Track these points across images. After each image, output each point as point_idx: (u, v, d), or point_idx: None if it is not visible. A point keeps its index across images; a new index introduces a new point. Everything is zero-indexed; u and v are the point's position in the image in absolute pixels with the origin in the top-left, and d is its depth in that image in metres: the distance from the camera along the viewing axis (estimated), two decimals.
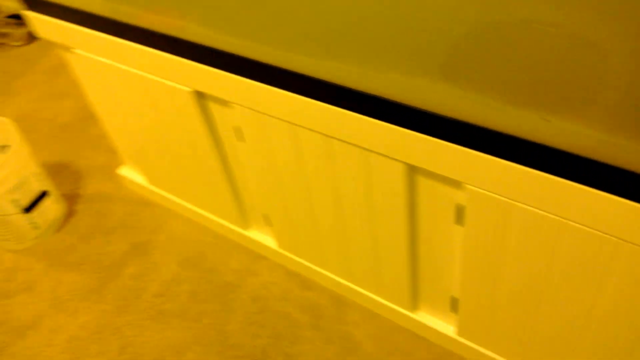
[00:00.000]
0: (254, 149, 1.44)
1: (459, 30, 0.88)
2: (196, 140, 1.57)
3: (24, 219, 1.96)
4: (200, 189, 1.81)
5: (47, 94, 2.73)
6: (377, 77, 1.04)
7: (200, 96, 1.45)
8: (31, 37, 3.12)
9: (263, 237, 1.83)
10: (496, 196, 1.05)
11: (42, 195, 2.00)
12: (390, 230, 1.34)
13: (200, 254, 1.92)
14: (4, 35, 3.07)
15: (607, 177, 0.90)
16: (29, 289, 1.93)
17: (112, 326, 1.78)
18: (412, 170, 1.18)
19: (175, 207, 2.05)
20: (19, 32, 3.07)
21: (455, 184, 1.13)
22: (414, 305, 1.56)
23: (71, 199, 2.18)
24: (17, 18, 3.11)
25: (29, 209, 1.96)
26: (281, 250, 1.79)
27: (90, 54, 1.59)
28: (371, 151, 1.17)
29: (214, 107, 1.45)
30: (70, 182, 2.25)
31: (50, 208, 2.05)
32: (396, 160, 1.14)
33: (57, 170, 2.31)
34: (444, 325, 1.53)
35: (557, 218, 1.00)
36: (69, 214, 2.14)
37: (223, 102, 1.41)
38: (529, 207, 1.02)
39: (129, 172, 2.14)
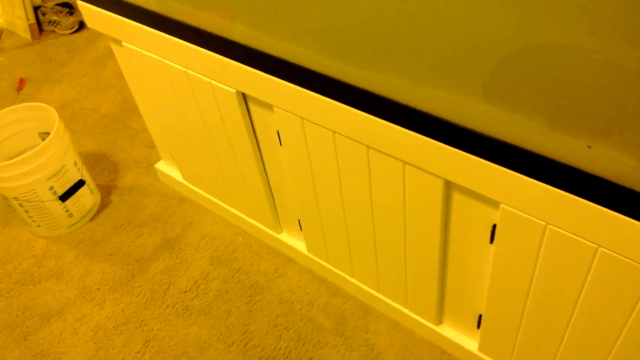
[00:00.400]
0: (292, 153, 1.46)
1: (505, 50, 0.89)
2: (236, 141, 1.60)
3: (59, 206, 2.00)
4: (235, 189, 1.84)
5: (91, 84, 2.78)
6: (420, 91, 1.06)
7: (243, 98, 1.47)
8: (80, 27, 3.17)
9: (293, 241, 1.86)
10: (530, 217, 1.06)
11: (79, 184, 2.04)
12: (422, 244, 1.35)
13: (230, 253, 1.95)
14: (53, 22, 3.13)
15: None
16: (58, 276, 1.96)
17: (138, 319, 1.81)
18: (450, 187, 1.19)
19: (209, 204, 2.08)
20: (69, 20, 3.12)
21: (493, 203, 1.14)
22: (439, 319, 1.57)
23: (107, 190, 2.22)
24: (67, 7, 3.16)
25: (64, 196, 2.00)
26: (310, 255, 1.80)
27: (138, 47, 1.62)
28: (410, 164, 1.19)
29: (256, 110, 1.48)
30: (107, 173, 2.29)
31: (86, 197, 2.09)
32: (434, 175, 1.16)
33: (95, 161, 2.35)
34: (468, 341, 1.54)
35: (591, 244, 1.01)
36: (104, 205, 2.17)
37: (266, 105, 1.43)
38: (562, 231, 1.03)
39: (165, 168, 2.17)
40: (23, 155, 1.82)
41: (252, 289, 1.84)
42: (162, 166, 2.18)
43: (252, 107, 1.48)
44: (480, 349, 1.50)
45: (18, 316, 1.87)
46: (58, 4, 3.16)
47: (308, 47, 1.18)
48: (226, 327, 1.76)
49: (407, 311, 1.63)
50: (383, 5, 0.99)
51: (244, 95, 1.47)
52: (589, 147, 0.91)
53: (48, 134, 2.10)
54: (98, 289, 1.91)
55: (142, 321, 1.80)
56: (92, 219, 2.13)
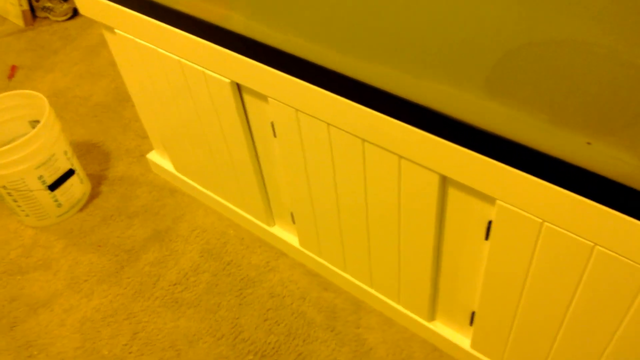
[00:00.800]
0: (286, 145, 1.45)
1: (507, 44, 0.89)
2: (229, 132, 1.59)
3: (48, 196, 1.99)
4: (228, 181, 1.83)
5: (83, 72, 2.76)
6: (418, 84, 1.05)
7: (238, 88, 1.46)
8: (74, 13, 3.15)
9: (286, 235, 1.85)
10: (526, 214, 1.05)
11: (69, 173, 2.03)
12: (416, 240, 1.35)
13: (221, 246, 1.94)
14: (47, 9, 3.11)
15: None
16: (46, 267, 1.95)
17: (126, 311, 1.80)
18: (446, 182, 1.18)
19: (201, 196, 2.06)
20: (62, 7, 3.10)
21: (489, 199, 1.13)
22: (431, 315, 1.56)
23: (97, 180, 2.21)
24: None
25: (54, 186, 1.98)
26: (302, 249, 1.80)
27: (131, 35, 1.61)
28: (406, 159, 1.18)
29: (250, 100, 1.47)
30: (98, 162, 2.28)
31: (76, 187, 2.08)
32: (430, 170, 1.15)
33: (86, 150, 2.33)
34: (460, 338, 1.54)
35: (588, 242, 1.00)
36: (94, 195, 2.16)
37: (260, 96, 1.42)
38: (559, 229, 1.03)
39: (157, 158, 2.16)
40: (12, 144, 1.81)
41: (242, 283, 1.83)
42: (153, 157, 2.17)
43: (247, 98, 1.47)
44: (473, 346, 1.49)
45: (5, 306, 1.85)
46: None
47: (304, 38, 1.17)
48: (216, 320, 1.75)
49: (399, 307, 1.62)
50: None
51: (238, 85, 1.45)
52: (589, 143, 0.90)
53: (39, 122, 2.09)
54: (86, 280, 1.90)
55: (130, 313, 1.79)
56: (81, 209, 2.12)
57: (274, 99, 1.35)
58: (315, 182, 1.47)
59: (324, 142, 1.33)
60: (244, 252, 1.91)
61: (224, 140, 1.64)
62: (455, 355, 1.57)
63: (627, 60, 0.78)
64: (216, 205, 2.02)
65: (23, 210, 2.01)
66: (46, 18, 3.15)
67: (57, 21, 3.13)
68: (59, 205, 2.04)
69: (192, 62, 1.48)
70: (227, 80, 1.43)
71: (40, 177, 1.93)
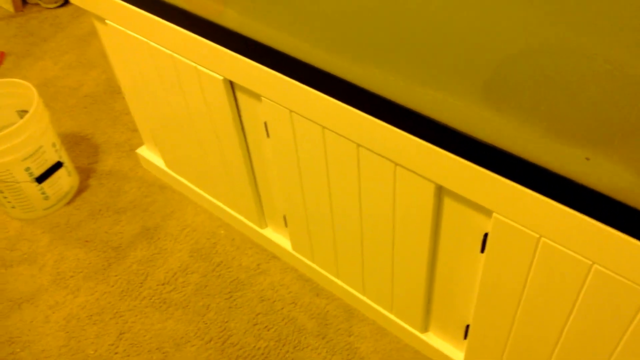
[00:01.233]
0: (279, 146, 1.45)
1: (506, 51, 0.88)
2: (222, 130, 1.58)
3: (35, 188, 1.98)
4: (219, 179, 1.82)
5: (73, 61, 2.75)
6: (415, 91, 1.05)
7: (231, 86, 1.46)
8: (65, 1, 3.14)
9: (278, 237, 1.84)
10: (523, 229, 1.05)
11: (57, 166, 2.02)
12: (410, 249, 1.34)
13: (211, 246, 1.94)
14: None
15: None
16: (30, 261, 1.95)
17: (112, 310, 1.80)
18: (441, 191, 1.18)
19: (191, 194, 2.06)
20: None
21: (485, 211, 1.13)
22: (424, 326, 1.56)
23: (85, 173, 2.20)
24: None
25: (41, 178, 1.98)
26: (295, 253, 1.79)
27: (123, 27, 1.60)
28: (401, 166, 1.17)
29: (243, 99, 1.46)
30: (87, 155, 2.27)
31: (63, 180, 2.07)
32: (426, 179, 1.15)
33: (75, 142, 2.33)
34: (454, 351, 1.54)
35: (586, 260, 1.00)
36: (82, 189, 2.16)
37: (254, 95, 1.42)
38: (556, 245, 1.02)
39: (147, 153, 2.15)
40: None
41: (232, 285, 1.83)
42: (143, 152, 2.16)
43: (240, 96, 1.46)
44: (467, 359, 1.49)
45: None
46: None
47: (301, 37, 1.17)
48: (204, 322, 1.75)
49: (392, 316, 1.62)
50: None
51: (231, 83, 1.45)
52: (587, 159, 0.90)
53: (26, 112, 2.08)
54: (72, 276, 1.89)
55: (116, 312, 1.79)
56: (68, 203, 2.11)
57: (268, 99, 1.35)
58: (309, 186, 1.47)
59: (318, 145, 1.33)
60: (235, 254, 1.91)
61: (216, 138, 1.64)
62: None
63: (629, 74, 0.78)
64: (207, 203, 2.02)
65: (9, 202, 2.00)
66: (37, 4, 3.13)
67: (48, 8, 3.11)
68: (46, 198, 2.03)
69: (185, 58, 1.48)
70: (221, 78, 1.42)
71: (27, 169, 1.93)
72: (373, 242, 1.44)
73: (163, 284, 1.85)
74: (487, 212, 1.13)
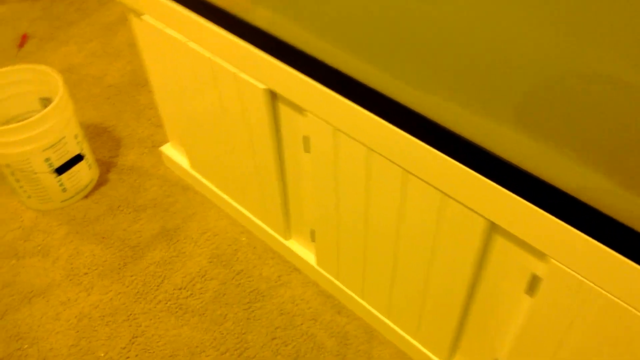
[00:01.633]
0: (318, 163, 1.42)
1: (548, 76, 0.85)
2: (257, 138, 1.56)
3: (53, 179, 1.95)
4: (247, 186, 1.80)
5: (99, 49, 2.72)
6: (470, 120, 1.01)
7: (273, 96, 1.42)
8: None
9: (301, 250, 1.82)
10: (578, 276, 1.02)
11: (77, 158, 2.00)
12: (449, 278, 1.32)
13: (232, 253, 1.91)
14: None
15: None
16: (44, 253, 1.92)
17: (126, 312, 1.77)
18: (491, 228, 1.15)
19: (215, 198, 2.03)
20: None
21: (536, 252, 1.10)
22: (450, 356, 1.54)
23: (105, 167, 2.18)
24: None
25: (60, 170, 1.95)
26: (318, 268, 1.77)
27: (161, 23, 1.57)
28: (451, 198, 1.14)
29: (284, 110, 1.43)
30: (108, 148, 2.24)
31: (83, 172, 2.04)
32: (477, 213, 1.12)
33: (96, 133, 2.30)
34: None
35: None
36: (101, 182, 2.13)
37: (296, 108, 1.39)
38: (610, 296, 0.99)
39: (171, 152, 2.12)
40: (21, 122, 1.77)
41: (252, 295, 1.80)
42: (167, 149, 2.13)
43: (280, 107, 1.44)
44: None
45: None
46: None
47: (355, 52, 1.14)
48: (220, 332, 1.72)
49: (415, 342, 1.60)
50: (444, 14, 0.94)
51: (275, 94, 1.42)
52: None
53: (49, 99, 2.06)
54: (86, 273, 1.87)
55: (130, 314, 1.77)
56: (87, 196, 2.09)
57: (312, 113, 1.31)
58: (345, 205, 1.44)
59: (360, 167, 1.30)
60: (256, 262, 1.88)
61: (250, 146, 1.61)
62: None
63: None
64: (230, 209, 1.99)
65: (25, 192, 1.98)
66: None
67: None
68: (64, 190, 2.01)
69: (225, 62, 1.45)
70: (262, 87, 1.39)
71: (47, 160, 1.90)
72: (407, 267, 1.41)
73: (180, 289, 1.82)
74: (539, 253, 1.10)
